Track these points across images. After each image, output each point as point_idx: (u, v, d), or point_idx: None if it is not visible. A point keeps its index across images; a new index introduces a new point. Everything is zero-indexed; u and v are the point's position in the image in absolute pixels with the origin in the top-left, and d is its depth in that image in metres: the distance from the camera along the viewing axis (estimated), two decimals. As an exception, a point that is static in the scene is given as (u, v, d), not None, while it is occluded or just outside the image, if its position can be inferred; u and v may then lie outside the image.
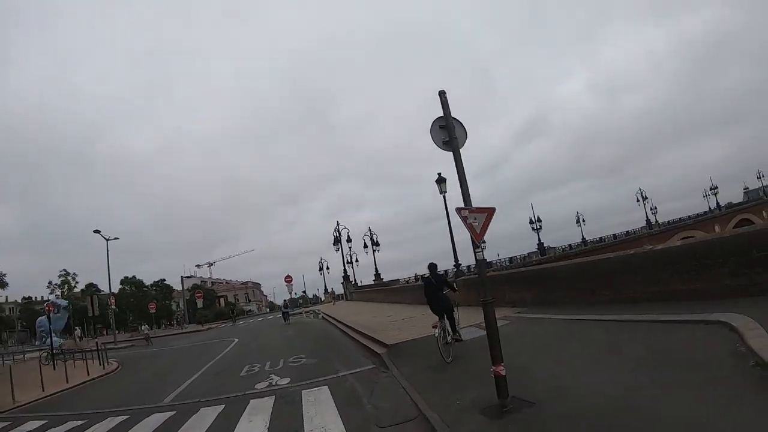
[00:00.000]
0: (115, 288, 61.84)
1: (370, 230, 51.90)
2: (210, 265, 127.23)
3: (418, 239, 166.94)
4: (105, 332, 54.26)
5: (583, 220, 59.04)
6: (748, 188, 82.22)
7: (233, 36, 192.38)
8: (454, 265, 19.86)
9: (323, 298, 79.68)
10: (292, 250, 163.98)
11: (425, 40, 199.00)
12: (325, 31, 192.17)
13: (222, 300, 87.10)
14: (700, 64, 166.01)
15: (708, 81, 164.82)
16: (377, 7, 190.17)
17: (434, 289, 9.02)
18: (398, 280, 46.67)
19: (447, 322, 8.68)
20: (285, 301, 42.19)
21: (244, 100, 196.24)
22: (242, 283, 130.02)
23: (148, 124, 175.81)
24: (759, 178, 71.99)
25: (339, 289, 61.31)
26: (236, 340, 24.29)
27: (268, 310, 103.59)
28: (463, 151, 6.04)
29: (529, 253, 51.80)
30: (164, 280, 74.84)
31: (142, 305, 52.66)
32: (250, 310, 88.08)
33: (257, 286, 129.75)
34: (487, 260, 54.90)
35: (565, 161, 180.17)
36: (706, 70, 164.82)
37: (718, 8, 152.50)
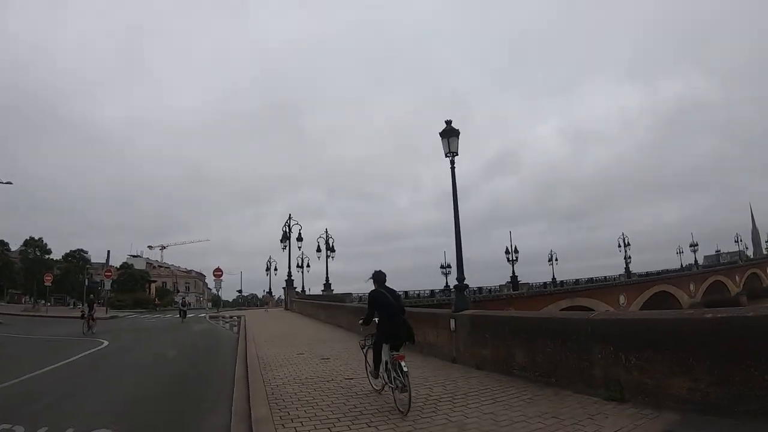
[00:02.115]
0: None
1: (326, 233, 46.93)
2: (162, 248, 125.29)
3: (372, 257, 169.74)
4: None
5: (556, 259, 57.69)
6: (720, 251, 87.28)
7: (216, 26, 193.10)
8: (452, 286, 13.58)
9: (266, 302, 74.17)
10: (247, 248, 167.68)
11: (404, 63, 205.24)
12: (308, 36, 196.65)
13: (152, 286, 78.86)
14: (669, 128, 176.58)
15: (674, 146, 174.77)
16: (363, 23, 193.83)
17: (393, 307, 6.60)
18: (350, 294, 41.03)
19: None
20: (183, 298, 39.72)
21: (215, 93, 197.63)
22: (186, 272, 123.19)
23: (117, 99, 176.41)
24: (737, 242, 77.68)
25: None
26: (101, 344, 17.74)
27: (210, 305, 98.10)
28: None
29: (500, 285, 49.02)
30: (83, 250, 66.29)
31: (39, 274, 44.69)
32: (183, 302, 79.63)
33: (201, 277, 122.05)
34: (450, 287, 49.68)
35: (527, 200, 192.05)
36: (674, 134, 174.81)
37: (694, 79, 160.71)
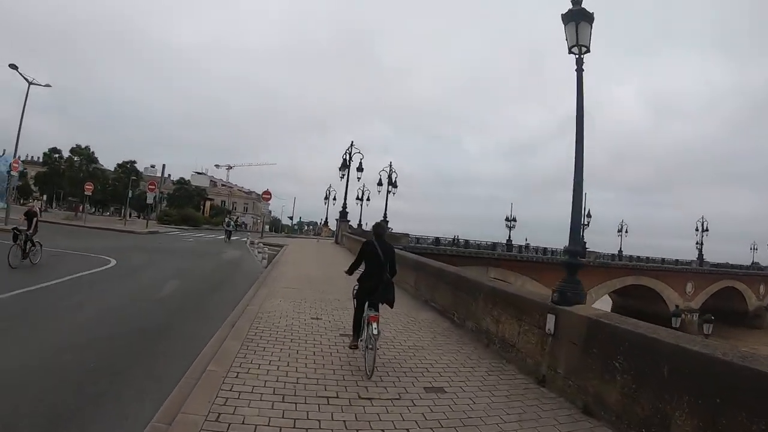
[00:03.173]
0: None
1: (390, 167, 42.97)
2: (229, 167, 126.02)
3: (434, 199, 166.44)
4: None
5: (626, 231, 53.29)
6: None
7: None
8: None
9: (323, 231, 72.33)
10: (312, 175, 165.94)
11: (484, 7, 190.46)
12: None
13: (206, 203, 78.49)
14: (761, 112, 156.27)
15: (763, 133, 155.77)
16: None
17: (380, 265, 6.31)
18: (407, 234, 38.75)
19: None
20: (229, 218, 38.20)
21: (288, 16, 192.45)
22: (246, 193, 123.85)
23: (191, 21, 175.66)
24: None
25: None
26: (107, 263, 15.45)
27: (267, 228, 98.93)
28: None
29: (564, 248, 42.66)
30: (134, 162, 65.72)
31: (80, 182, 43.65)
32: (237, 223, 79.48)
33: (261, 199, 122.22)
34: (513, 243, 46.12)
35: (595, 166, 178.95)
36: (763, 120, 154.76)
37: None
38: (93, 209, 78.83)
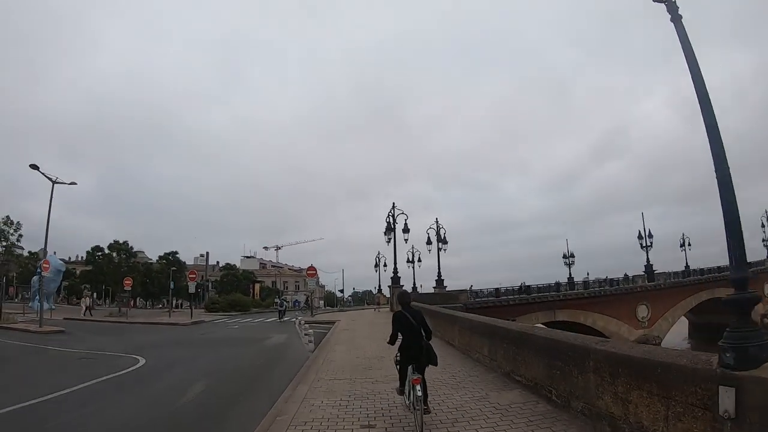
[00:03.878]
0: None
1: (437, 223, 41.35)
2: (277, 248, 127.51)
3: (483, 249, 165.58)
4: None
5: (689, 244, 50.02)
6: None
7: (307, 30, 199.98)
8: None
9: (378, 300, 69.78)
10: (359, 245, 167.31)
11: (500, 48, 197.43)
12: (400, 31, 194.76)
13: (256, 286, 77.69)
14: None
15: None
16: (452, 13, 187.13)
17: (415, 331, 6.62)
18: (464, 290, 37.40)
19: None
20: (281, 298, 34.00)
21: (315, 93, 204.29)
22: (296, 271, 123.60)
23: (223, 109, 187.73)
24: None
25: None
26: (135, 364, 14.03)
27: (323, 303, 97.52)
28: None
29: (633, 276, 43.76)
30: (176, 252, 66.16)
31: (121, 277, 43.22)
32: (290, 300, 78.12)
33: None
34: (575, 279, 43.58)
35: (638, 184, 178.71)
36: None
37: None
38: (145, 303, 79.60)
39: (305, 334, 16.04)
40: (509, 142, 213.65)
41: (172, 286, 41.68)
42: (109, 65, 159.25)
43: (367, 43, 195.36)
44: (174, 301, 72.89)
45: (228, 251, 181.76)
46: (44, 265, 26.30)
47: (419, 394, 6.00)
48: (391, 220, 37.84)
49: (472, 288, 38.74)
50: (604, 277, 43.78)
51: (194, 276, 36.16)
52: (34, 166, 25.58)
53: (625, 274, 43.85)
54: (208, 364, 13.94)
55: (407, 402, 6.55)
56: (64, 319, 34.02)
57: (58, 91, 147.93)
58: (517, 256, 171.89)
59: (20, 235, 48.12)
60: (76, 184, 28.47)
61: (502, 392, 7.65)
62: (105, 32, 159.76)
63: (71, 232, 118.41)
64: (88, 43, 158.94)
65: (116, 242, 51.28)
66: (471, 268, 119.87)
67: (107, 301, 68.71)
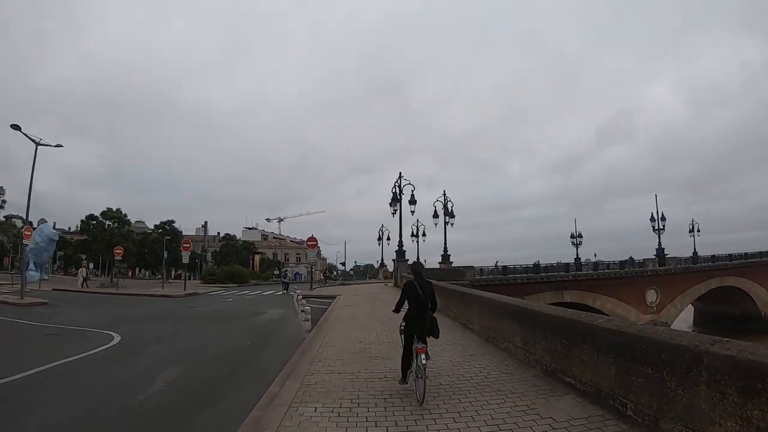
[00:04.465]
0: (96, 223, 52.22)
1: (444, 196, 39.37)
2: (280, 220, 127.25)
3: (485, 227, 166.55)
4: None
5: (698, 230, 49.92)
6: None
7: (312, 7, 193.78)
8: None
9: (379, 273, 68.25)
10: (362, 218, 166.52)
11: (508, 27, 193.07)
12: (405, 6, 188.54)
13: (255, 258, 76.16)
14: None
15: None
16: None
17: (422, 302, 6.85)
18: (472, 266, 35.87)
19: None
20: (284, 269, 32.00)
21: (319, 68, 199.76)
22: (297, 243, 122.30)
23: (226, 83, 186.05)
24: None
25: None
26: (107, 342, 12.51)
27: (321, 276, 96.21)
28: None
29: (643, 260, 42.72)
30: (172, 221, 64.28)
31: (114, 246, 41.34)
32: (291, 273, 76.93)
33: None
34: (581, 260, 43.50)
35: (643, 170, 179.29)
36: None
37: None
38: (145, 273, 78.33)
39: (302, 311, 14.32)
40: (514, 123, 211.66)
41: (165, 256, 39.99)
42: (111, 35, 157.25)
43: (373, 15, 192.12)
44: (173, 272, 72.14)
45: (231, 225, 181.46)
46: (25, 232, 24.57)
47: (423, 362, 6.16)
48: (397, 191, 35.96)
49: (476, 267, 37.46)
50: (609, 260, 43.09)
51: (189, 245, 34.45)
52: (16, 126, 23.71)
53: (630, 258, 42.86)
54: (189, 344, 12.30)
55: (410, 371, 6.69)
56: (53, 290, 32.72)
57: (60, 63, 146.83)
58: (520, 236, 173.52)
59: (3, 201, 46.55)
60: (62, 146, 26.46)
61: (551, 400, 5.88)
62: (108, 3, 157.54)
63: (74, 202, 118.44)
64: (91, 14, 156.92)
65: (109, 209, 49.33)
66: (473, 246, 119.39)
67: (105, 271, 67.49)
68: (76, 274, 45.44)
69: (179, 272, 74.96)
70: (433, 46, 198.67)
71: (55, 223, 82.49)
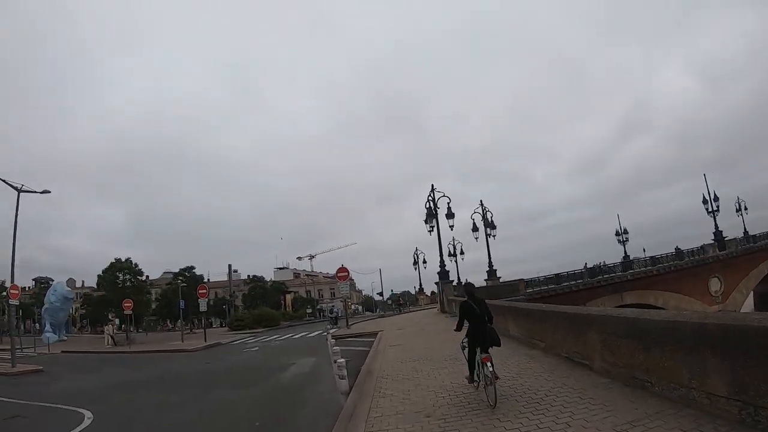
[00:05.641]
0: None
1: (481, 205, 35.55)
2: (311, 257, 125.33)
3: (517, 239, 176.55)
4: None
5: (746, 208, 46.05)
6: None
7: (316, 46, 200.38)
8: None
9: (419, 299, 64.23)
10: (394, 246, 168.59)
11: (509, 37, 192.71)
12: (405, 35, 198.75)
13: (287, 297, 72.73)
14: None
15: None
16: (456, 7, 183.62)
17: (479, 318, 7.52)
18: (522, 279, 34.93)
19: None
20: (330, 304, 38.81)
21: (331, 107, 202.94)
22: (330, 278, 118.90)
23: (244, 131, 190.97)
24: None
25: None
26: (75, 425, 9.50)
27: (360, 308, 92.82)
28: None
29: (702, 246, 40.78)
30: (192, 268, 61.22)
31: (122, 299, 38.26)
32: (331, 310, 73.61)
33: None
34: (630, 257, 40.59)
35: (670, 158, 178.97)
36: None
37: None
38: (173, 324, 75.53)
39: (336, 363, 10.36)
40: (532, 131, 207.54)
41: (182, 305, 36.63)
42: (126, 101, 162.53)
43: (376, 52, 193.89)
44: (202, 321, 68.88)
45: (262, 267, 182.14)
46: (11, 291, 21.42)
47: (491, 369, 6.67)
48: (432, 205, 32.25)
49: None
50: (655, 255, 40.15)
51: (205, 292, 30.98)
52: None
53: (677, 248, 40.50)
54: (174, 428, 8.67)
55: (478, 379, 7.36)
56: (62, 352, 29.74)
57: (79, 131, 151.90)
58: (553, 243, 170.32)
59: None
60: (49, 192, 23.84)
61: None
62: (118, 70, 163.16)
63: (106, 263, 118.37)
64: (104, 82, 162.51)
65: (118, 260, 46.76)
66: (507, 260, 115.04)
67: (135, 326, 64.69)
68: (104, 332, 43.06)
69: (210, 320, 72.13)
70: (439, 68, 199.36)
71: (78, 280, 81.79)
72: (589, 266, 39.01)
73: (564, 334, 9.31)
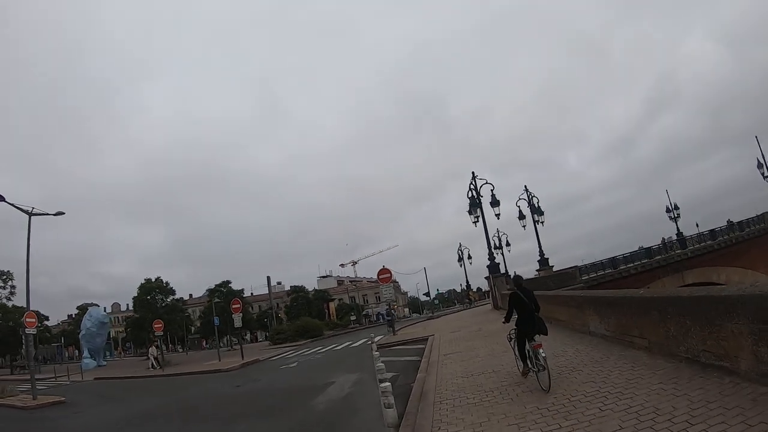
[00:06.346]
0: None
1: (526, 191, 33.00)
2: (354, 263, 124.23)
3: (558, 227, 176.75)
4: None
5: None
6: None
7: (336, 55, 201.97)
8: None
9: (470, 298, 61.63)
10: (433, 245, 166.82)
11: (530, 24, 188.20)
12: (423, 35, 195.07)
13: (330, 306, 71.00)
14: None
15: None
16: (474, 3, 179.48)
17: (528, 308, 7.91)
18: (576, 266, 34.62)
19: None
20: (387, 308, 35.58)
21: (357, 113, 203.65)
22: (373, 283, 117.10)
23: (272, 146, 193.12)
24: None
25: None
26: None
27: (408, 311, 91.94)
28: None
29: (762, 214, 38.87)
30: (228, 282, 59.81)
31: (160, 317, 37.23)
32: (388, 312, 71.63)
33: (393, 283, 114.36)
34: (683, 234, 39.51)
35: (701, 128, 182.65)
36: None
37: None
38: (209, 344, 75.08)
39: (382, 384, 8.01)
40: (559, 116, 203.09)
41: (216, 322, 35.16)
42: (157, 127, 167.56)
43: (396, 53, 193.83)
44: (248, 336, 68.14)
45: (305, 277, 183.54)
46: (28, 319, 20.13)
47: (543, 355, 7.09)
48: (475, 194, 29.60)
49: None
50: (712, 228, 39.10)
51: (238, 306, 28.89)
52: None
53: (729, 220, 40.15)
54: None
55: (529, 366, 7.66)
56: (95, 379, 28.49)
57: (114, 159, 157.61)
58: (593, 228, 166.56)
59: (13, 287, 43.45)
60: (63, 213, 22.61)
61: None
62: (147, 97, 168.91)
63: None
64: (134, 110, 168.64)
65: (148, 280, 45.86)
66: (550, 249, 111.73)
67: (178, 346, 64.53)
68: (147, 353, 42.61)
69: (256, 334, 71.19)
70: (461, 64, 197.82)
71: (123, 305, 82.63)
72: (644, 247, 37.86)
73: (681, 327, 6.78)
